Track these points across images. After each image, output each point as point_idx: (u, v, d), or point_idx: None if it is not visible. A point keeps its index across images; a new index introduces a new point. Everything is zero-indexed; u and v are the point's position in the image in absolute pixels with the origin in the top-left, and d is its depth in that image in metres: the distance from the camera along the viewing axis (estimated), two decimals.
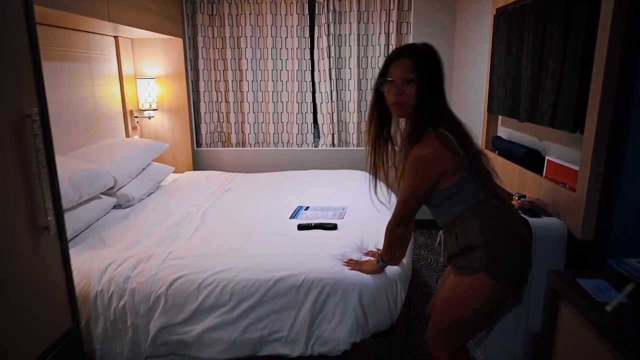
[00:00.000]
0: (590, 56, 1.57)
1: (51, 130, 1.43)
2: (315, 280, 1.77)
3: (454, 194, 1.42)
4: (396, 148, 1.57)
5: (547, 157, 1.96)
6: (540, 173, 2.00)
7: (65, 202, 2.14)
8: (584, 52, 1.60)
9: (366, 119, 1.69)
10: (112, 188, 2.65)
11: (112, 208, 2.68)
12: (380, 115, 1.54)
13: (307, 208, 2.58)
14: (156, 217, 2.51)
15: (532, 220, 1.73)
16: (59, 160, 2.40)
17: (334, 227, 2.24)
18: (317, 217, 2.43)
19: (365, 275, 1.79)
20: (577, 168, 1.72)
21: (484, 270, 1.38)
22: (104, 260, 1.93)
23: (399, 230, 1.60)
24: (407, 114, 1.45)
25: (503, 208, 1.43)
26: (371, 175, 1.64)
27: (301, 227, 2.25)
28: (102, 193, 2.59)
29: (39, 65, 1.38)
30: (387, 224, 1.63)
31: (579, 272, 1.24)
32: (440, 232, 1.59)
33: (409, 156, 1.40)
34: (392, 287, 1.80)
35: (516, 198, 1.89)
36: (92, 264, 1.91)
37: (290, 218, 2.44)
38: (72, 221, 2.20)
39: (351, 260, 1.89)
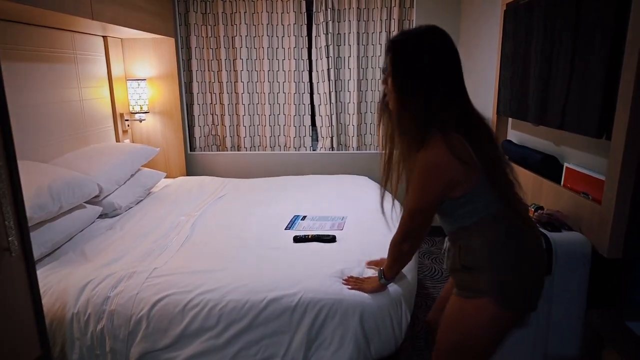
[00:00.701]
0: (619, 49, 1.40)
1: (13, 137, 1.26)
2: (311, 302, 1.60)
3: (464, 204, 1.25)
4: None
5: (565, 164, 1.80)
6: (558, 181, 1.84)
7: (44, 214, 1.99)
8: (612, 44, 1.44)
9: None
10: (97, 196, 2.49)
11: (98, 217, 2.52)
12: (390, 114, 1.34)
13: (304, 218, 2.41)
14: (143, 227, 2.35)
15: (552, 235, 1.56)
16: (39, 167, 2.26)
17: (332, 239, 2.07)
18: (314, 227, 2.26)
19: (366, 294, 1.62)
20: (601, 177, 1.56)
21: (490, 295, 1.23)
22: (82, 278, 1.76)
23: (405, 246, 1.43)
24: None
25: (520, 226, 1.26)
26: (383, 183, 1.43)
27: (297, 240, 2.08)
28: (86, 202, 2.43)
29: None
30: (392, 238, 1.47)
31: (627, 311, 1.06)
32: (447, 238, 1.44)
33: (416, 163, 1.24)
34: (396, 308, 1.64)
35: (532, 210, 1.73)
36: (69, 282, 1.74)
37: (285, 229, 2.27)
38: (51, 233, 2.04)
39: (351, 277, 1.72)
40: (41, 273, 1.82)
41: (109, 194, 2.58)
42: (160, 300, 1.65)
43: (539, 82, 1.91)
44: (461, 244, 1.28)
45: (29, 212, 1.82)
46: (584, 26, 1.58)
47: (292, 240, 2.09)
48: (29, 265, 1.35)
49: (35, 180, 2.06)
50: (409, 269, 1.85)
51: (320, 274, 1.75)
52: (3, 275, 1.26)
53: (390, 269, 1.56)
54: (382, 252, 1.91)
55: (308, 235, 2.10)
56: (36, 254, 1.91)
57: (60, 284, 1.74)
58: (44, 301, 1.66)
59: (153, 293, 1.68)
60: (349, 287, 1.67)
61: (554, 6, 1.79)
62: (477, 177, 1.21)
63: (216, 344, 1.59)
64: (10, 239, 1.25)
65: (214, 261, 1.90)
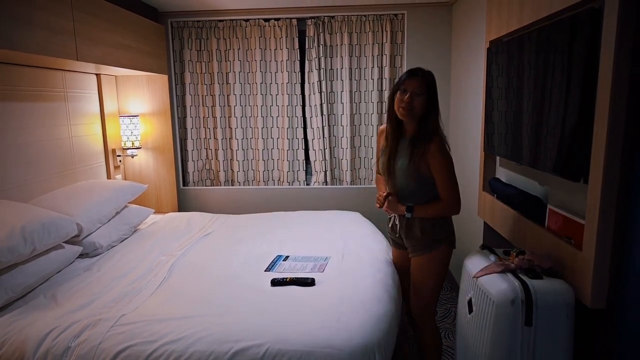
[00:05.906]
0: (592, 89, 1.35)
1: None
2: (278, 354, 1.51)
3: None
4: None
5: (548, 206, 1.71)
6: (542, 223, 1.75)
7: (14, 257, 1.94)
8: (584, 89, 1.39)
9: (386, 121, 2.03)
10: (77, 236, 2.45)
11: (79, 257, 2.47)
12: (397, 119, 1.94)
13: (286, 258, 2.34)
14: (121, 268, 2.29)
15: (531, 282, 1.47)
16: (15, 207, 2.23)
17: (311, 282, 1.99)
18: (295, 269, 2.18)
19: (336, 347, 1.52)
20: (582, 220, 1.48)
21: (445, 242, 1.94)
22: (45, 326, 1.69)
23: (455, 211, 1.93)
24: (412, 117, 1.87)
25: None
26: (386, 175, 2.01)
27: (275, 283, 2.01)
28: (66, 241, 2.38)
29: None
30: (448, 206, 1.89)
31: None
32: (394, 216, 2.05)
33: (431, 151, 1.83)
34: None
35: (514, 254, 1.64)
36: (30, 331, 1.67)
37: (265, 270, 2.20)
38: (23, 277, 1.98)
39: (383, 201, 1.99)
40: (6, 320, 1.76)
41: (91, 233, 2.54)
42: (122, 352, 1.57)
43: (518, 121, 1.86)
44: None
45: None
46: (557, 69, 1.54)
47: (270, 284, 2.02)
48: None
49: (9, 221, 2.02)
50: (385, 314, 1.76)
51: (292, 321, 1.67)
52: None
53: (425, 212, 1.92)
54: (359, 296, 1.84)
55: (286, 279, 2.02)
56: (4, 299, 1.85)
57: (22, 332, 1.67)
58: (0, 352, 1.60)
59: (116, 343, 1.60)
60: (384, 208, 1.99)
61: (535, 45, 1.74)
62: None
63: None
64: None
65: (185, 307, 1.83)
